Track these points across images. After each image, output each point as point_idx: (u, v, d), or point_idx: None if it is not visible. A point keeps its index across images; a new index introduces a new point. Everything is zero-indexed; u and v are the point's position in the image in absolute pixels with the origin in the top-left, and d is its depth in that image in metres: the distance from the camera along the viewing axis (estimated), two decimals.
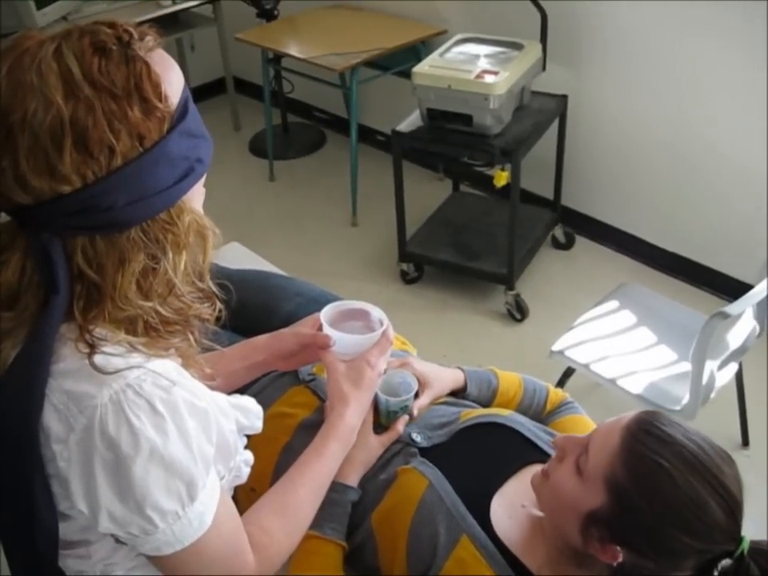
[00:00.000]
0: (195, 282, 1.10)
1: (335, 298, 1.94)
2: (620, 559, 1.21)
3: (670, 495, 1.17)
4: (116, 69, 0.96)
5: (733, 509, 1.18)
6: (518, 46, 3.28)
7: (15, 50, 0.97)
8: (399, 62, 3.89)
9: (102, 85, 0.94)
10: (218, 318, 1.15)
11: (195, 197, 1.08)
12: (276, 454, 1.53)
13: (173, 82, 1.02)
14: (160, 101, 0.99)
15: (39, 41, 0.97)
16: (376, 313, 1.52)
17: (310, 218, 4.24)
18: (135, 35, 1.00)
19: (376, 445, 1.50)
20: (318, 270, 3.65)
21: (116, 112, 0.95)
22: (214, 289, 1.14)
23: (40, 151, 0.93)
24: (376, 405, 1.52)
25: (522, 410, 1.71)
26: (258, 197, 4.42)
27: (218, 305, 1.14)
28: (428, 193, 4.12)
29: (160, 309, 1.05)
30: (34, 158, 0.93)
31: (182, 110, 1.02)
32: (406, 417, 1.54)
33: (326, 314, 1.49)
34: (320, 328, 1.48)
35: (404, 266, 3.68)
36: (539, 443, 1.53)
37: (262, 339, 1.53)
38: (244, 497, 1.27)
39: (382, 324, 1.49)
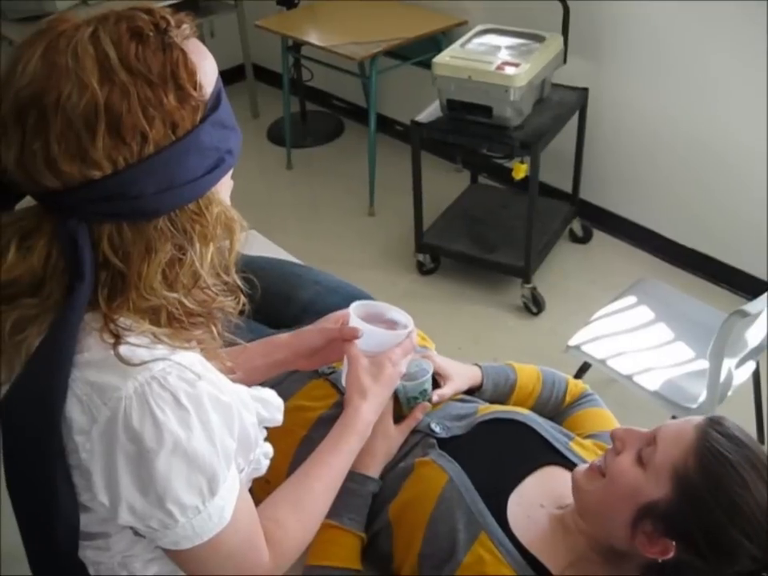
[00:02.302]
0: (221, 274, 1.09)
1: (354, 289, 1.94)
2: (671, 554, 1.22)
3: (738, 495, 1.19)
4: (153, 55, 0.95)
5: None
6: (539, 38, 3.26)
7: (50, 32, 0.95)
8: (419, 52, 3.87)
9: (138, 71, 0.93)
10: (241, 312, 1.14)
11: (223, 189, 1.07)
12: (294, 447, 1.53)
13: (207, 72, 1.01)
14: (195, 89, 0.98)
15: (75, 24, 0.96)
16: (402, 317, 1.52)
17: (327, 206, 4.24)
18: (172, 23, 0.99)
19: (396, 435, 1.50)
20: (333, 259, 3.64)
21: (151, 99, 0.94)
22: (240, 282, 1.12)
23: (72, 135, 0.92)
24: (396, 396, 1.52)
25: (541, 402, 1.71)
26: (275, 185, 4.42)
27: (242, 299, 1.13)
28: (446, 184, 4.11)
29: (184, 300, 1.03)
30: (66, 142, 0.92)
31: (215, 101, 1.01)
32: (426, 404, 1.54)
33: (354, 308, 1.49)
34: (344, 324, 1.48)
35: (420, 257, 3.67)
36: (556, 445, 1.52)
37: (284, 337, 1.52)
38: (259, 489, 1.28)
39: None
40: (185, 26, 1.01)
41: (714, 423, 1.26)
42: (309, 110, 4.97)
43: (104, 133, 0.92)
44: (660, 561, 1.23)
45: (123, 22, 0.96)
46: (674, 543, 1.22)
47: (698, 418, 1.28)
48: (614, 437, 1.35)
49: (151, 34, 0.96)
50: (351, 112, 4.95)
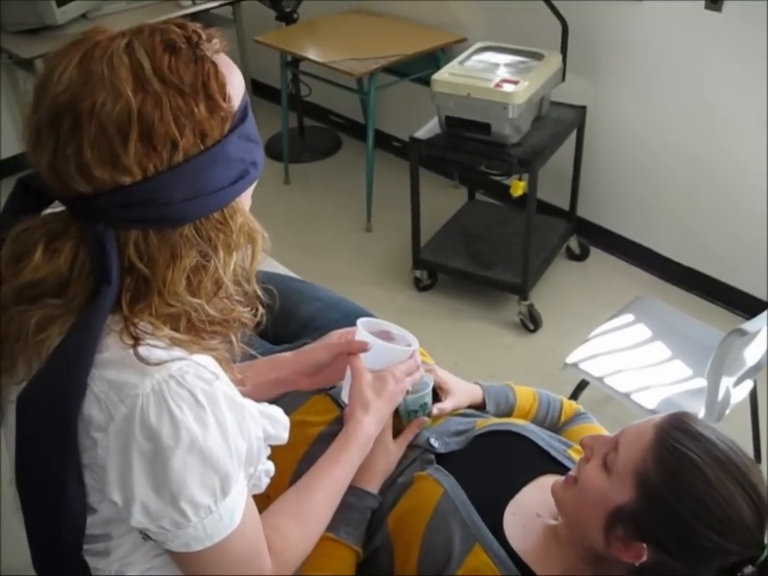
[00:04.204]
0: (243, 283, 1.11)
1: (353, 305, 1.94)
2: (644, 558, 1.21)
3: (701, 491, 1.17)
4: (185, 67, 0.98)
5: (761, 510, 1.18)
6: (537, 56, 3.28)
7: (86, 42, 0.99)
8: (418, 68, 3.89)
9: (170, 81, 0.97)
10: (257, 324, 1.16)
11: (245, 201, 1.11)
12: (295, 462, 1.53)
13: (235, 85, 1.05)
14: (224, 101, 1.01)
15: (110, 35, 1.00)
16: (407, 336, 1.52)
17: (324, 222, 4.24)
18: (204, 37, 1.03)
19: (395, 450, 1.50)
20: (330, 274, 3.63)
21: (182, 108, 0.97)
22: (260, 292, 1.15)
23: (105, 141, 0.95)
24: (395, 409, 1.52)
25: (537, 423, 1.71)
26: (272, 200, 4.41)
27: (261, 310, 1.16)
28: (443, 200, 4.11)
29: (206, 307, 1.06)
30: (99, 148, 0.95)
31: (242, 114, 1.05)
32: (424, 419, 1.55)
33: (361, 323, 1.50)
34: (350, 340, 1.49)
35: (417, 273, 3.67)
36: (553, 453, 1.52)
37: (287, 354, 1.53)
38: (259, 503, 1.28)
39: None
40: (215, 40, 1.05)
41: (673, 420, 1.25)
42: (307, 126, 4.98)
43: (136, 140, 0.95)
44: (637, 564, 1.22)
45: (157, 35, 1.00)
46: (644, 546, 1.21)
47: (658, 417, 1.28)
48: (583, 445, 1.35)
49: (184, 46, 1.00)
50: (349, 128, 4.96)
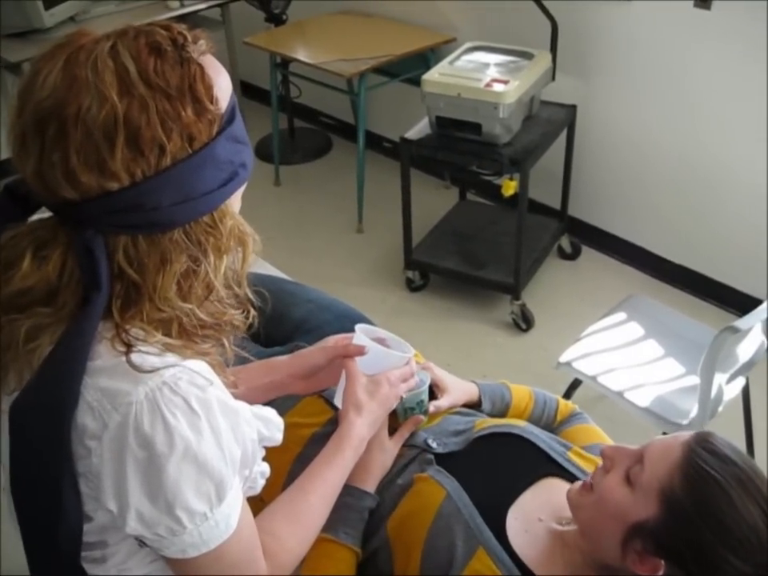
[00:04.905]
0: (233, 287, 1.11)
1: (346, 307, 1.93)
2: (660, 573, 1.22)
3: (725, 513, 1.18)
4: (171, 69, 0.97)
5: None
6: (527, 56, 3.28)
7: (70, 45, 0.98)
8: (408, 69, 3.89)
9: (156, 84, 0.95)
10: (250, 326, 1.16)
11: (235, 203, 1.10)
12: (288, 464, 1.52)
13: (222, 87, 1.03)
14: (211, 103, 1.00)
15: (94, 38, 0.99)
16: (403, 345, 1.52)
17: (315, 223, 4.23)
18: (189, 38, 1.02)
19: (391, 447, 1.50)
20: (322, 275, 3.63)
21: (169, 112, 0.96)
22: (251, 295, 1.15)
23: (92, 147, 0.93)
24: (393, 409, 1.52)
25: (533, 422, 1.70)
26: (262, 201, 4.39)
27: (252, 312, 1.15)
28: (434, 201, 4.12)
29: (197, 311, 1.05)
30: (85, 154, 0.94)
31: (230, 115, 1.04)
32: (421, 417, 1.55)
33: (359, 328, 1.50)
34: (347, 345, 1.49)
35: (409, 274, 3.67)
36: (554, 455, 1.51)
37: (281, 358, 1.53)
38: (253, 506, 1.28)
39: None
40: (201, 42, 1.03)
41: (701, 440, 1.25)
42: (297, 127, 4.98)
43: (123, 145, 0.94)
44: None
45: (142, 37, 0.98)
46: (662, 562, 1.22)
47: (686, 435, 1.28)
48: (604, 455, 1.35)
49: (169, 48, 0.98)
50: (339, 129, 4.96)
